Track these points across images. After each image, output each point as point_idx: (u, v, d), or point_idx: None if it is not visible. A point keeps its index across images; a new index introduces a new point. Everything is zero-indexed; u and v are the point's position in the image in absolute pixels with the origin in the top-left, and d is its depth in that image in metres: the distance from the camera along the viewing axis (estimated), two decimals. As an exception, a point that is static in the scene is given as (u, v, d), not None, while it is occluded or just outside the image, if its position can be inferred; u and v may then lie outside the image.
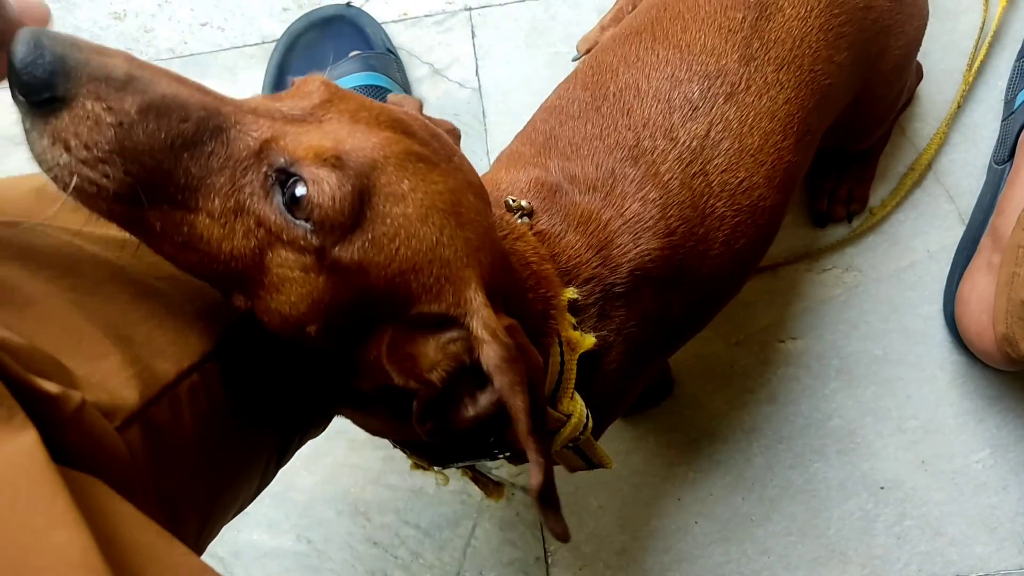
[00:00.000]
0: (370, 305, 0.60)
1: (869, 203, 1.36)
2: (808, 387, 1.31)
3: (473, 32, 1.46)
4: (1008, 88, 1.35)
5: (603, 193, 0.84)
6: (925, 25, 1.09)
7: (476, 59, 1.45)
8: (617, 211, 0.83)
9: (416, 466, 0.89)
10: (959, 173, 1.36)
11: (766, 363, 1.32)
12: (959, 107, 1.36)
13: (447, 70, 1.44)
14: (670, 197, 0.84)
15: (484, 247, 0.64)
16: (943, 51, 1.38)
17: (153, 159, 0.54)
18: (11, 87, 0.52)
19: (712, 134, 0.86)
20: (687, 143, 0.86)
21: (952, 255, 1.33)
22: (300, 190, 0.56)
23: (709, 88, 0.87)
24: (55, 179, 0.53)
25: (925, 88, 1.34)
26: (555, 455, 0.77)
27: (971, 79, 1.36)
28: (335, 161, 0.56)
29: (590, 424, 0.78)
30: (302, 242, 0.57)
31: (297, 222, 0.56)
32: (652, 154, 0.85)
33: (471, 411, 0.66)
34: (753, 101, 0.88)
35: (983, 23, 1.38)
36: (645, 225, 0.83)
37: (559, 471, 0.75)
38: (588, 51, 1.38)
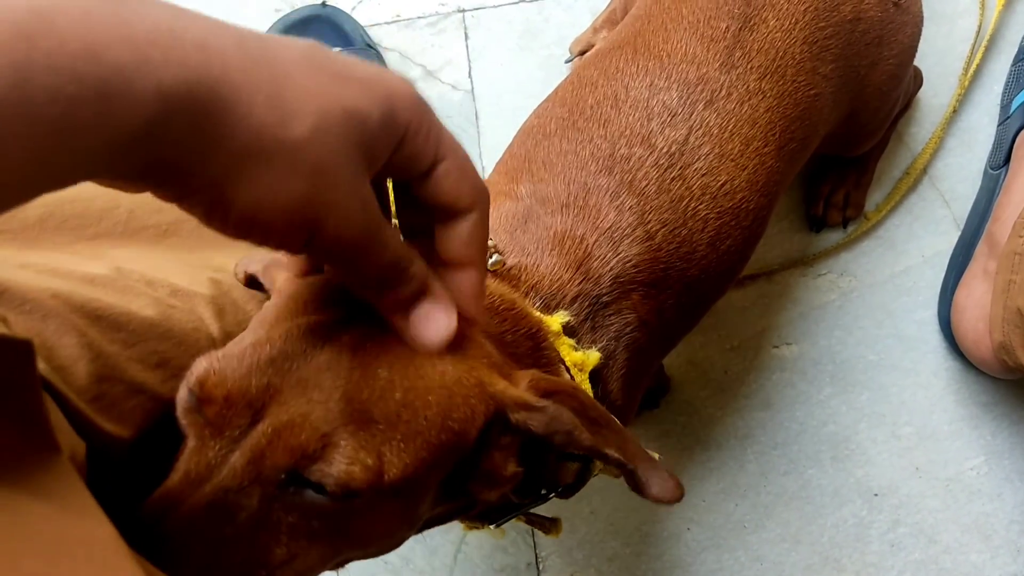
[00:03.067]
0: (442, 472, 0.61)
1: (864, 208, 1.39)
2: (803, 393, 1.35)
3: (466, 34, 1.50)
4: (1004, 92, 1.38)
5: (576, 209, 0.86)
6: (919, 32, 1.12)
7: (469, 61, 1.49)
8: (592, 224, 0.85)
9: (470, 528, 0.89)
10: (954, 178, 1.39)
11: (760, 369, 1.36)
12: (955, 111, 1.39)
13: (440, 72, 1.48)
14: (647, 202, 0.87)
15: (464, 334, 0.63)
16: (939, 55, 1.41)
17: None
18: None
19: (692, 139, 0.89)
20: (665, 149, 0.88)
21: (947, 260, 1.36)
22: (324, 483, 0.53)
23: (689, 95, 0.90)
24: None
25: (921, 92, 1.37)
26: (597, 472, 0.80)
27: (967, 83, 1.39)
28: (323, 442, 0.53)
29: None
30: (359, 504, 0.55)
31: (343, 498, 0.54)
32: (628, 162, 0.88)
33: (556, 467, 0.70)
34: (734, 108, 0.91)
35: (979, 27, 1.41)
36: (623, 233, 0.85)
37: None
38: (581, 53, 1.42)
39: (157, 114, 0.39)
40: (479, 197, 0.56)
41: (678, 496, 0.63)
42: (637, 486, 0.64)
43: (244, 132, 0.42)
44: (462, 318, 0.59)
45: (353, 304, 0.59)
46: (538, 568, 1.29)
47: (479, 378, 0.61)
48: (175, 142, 0.40)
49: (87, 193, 0.76)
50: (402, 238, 0.55)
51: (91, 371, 0.60)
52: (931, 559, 1.28)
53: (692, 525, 1.31)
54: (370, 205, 0.49)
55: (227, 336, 0.72)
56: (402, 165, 0.52)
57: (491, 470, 0.63)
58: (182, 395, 0.57)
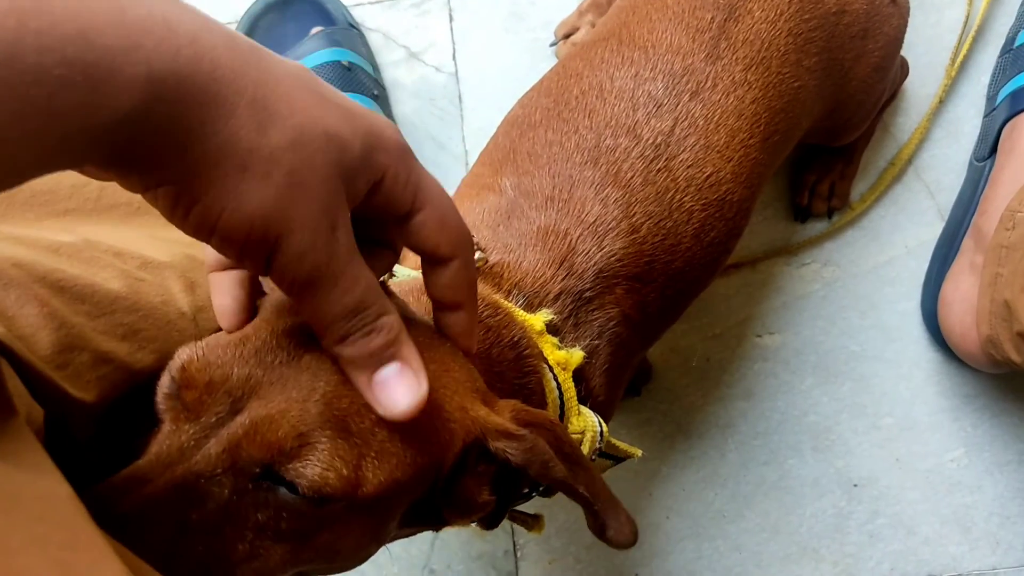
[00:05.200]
0: (414, 494, 0.62)
1: (850, 198, 1.41)
2: (785, 383, 1.37)
3: (451, 16, 1.51)
4: (991, 84, 1.40)
5: (560, 203, 0.88)
6: (906, 24, 1.14)
7: (454, 43, 1.49)
8: (576, 218, 0.87)
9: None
10: (940, 169, 1.41)
11: (743, 358, 1.38)
12: (941, 102, 1.41)
13: (424, 54, 1.49)
14: (633, 195, 0.88)
15: (447, 358, 0.64)
16: (927, 44, 1.43)
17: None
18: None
19: (677, 130, 0.90)
20: (651, 140, 0.90)
21: (931, 251, 1.38)
22: (297, 483, 0.54)
23: (674, 86, 0.92)
24: None
25: (908, 82, 1.39)
26: None
27: (954, 74, 1.41)
28: (300, 441, 0.54)
29: (605, 430, 0.82)
30: (331, 509, 0.56)
31: (314, 500, 0.55)
32: (614, 153, 0.89)
33: (524, 491, 0.71)
34: (720, 99, 0.92)
35: (967, 17, 1.42)
36: (608, 227, 0.87)
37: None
38: (566, 36, 1.43)
39: (141, 102, 0.39)
40: (460, 245, 0.57)
41: (631, 542, 0.66)
42: (598, 529, 0.66)
43: (223, 131, 0.43)
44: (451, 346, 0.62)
45: None
46: (516, 555, 1.31)
47: (461, 403, 0.62)
48: (153, 131, 0.41)
49: None
50: (380, 286, 0.54)
51: (54, 340, 0.59)
52: (910, 550, 1.31)
53: (671, 514, 1.33)
54: (342, 234, 0.49)
55: (198, 311, 0.73)
56: (379, 208, 0.53)
57: (465, 497, 0.64)
58: (164, 381, 0.58)
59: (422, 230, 0.55)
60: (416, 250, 0.57)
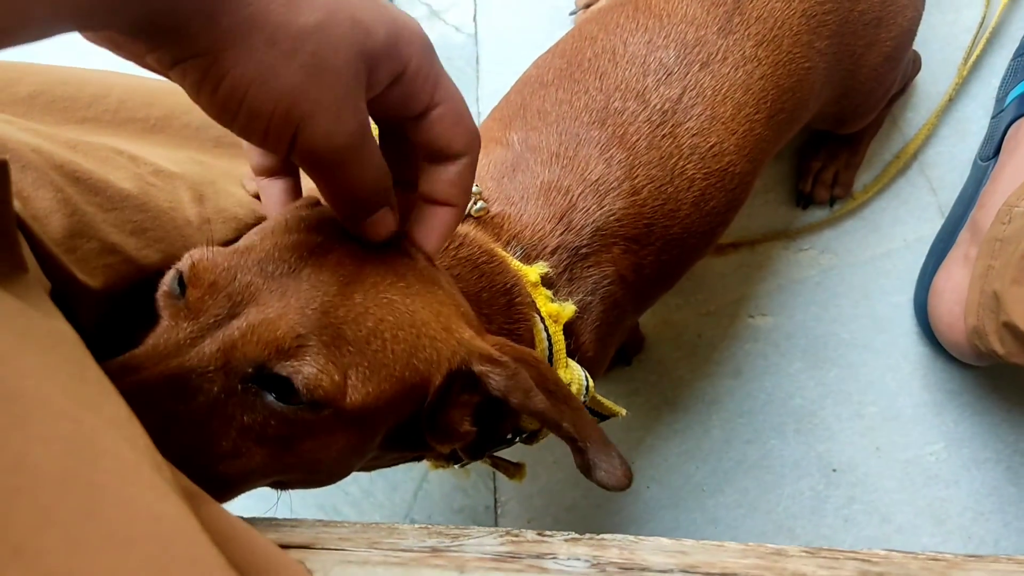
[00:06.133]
0: (400, 414, 0.64)
1: (852, 188, 1.44)
2: (773, 364, 1.40)
3: (475, -23, 1.52)
4: (1001, 86, 1.42)
5: (565, 160, 0.90)
6: (919, 17, 1.16)
7: (475, 4, 1.52)
8: (580, 176, 0.89)
9: (436, 467, 0.94)
10: (944, 166, 1.44)
11: (734, 337, 1.41)
12: (951, 100, 1.43)
13: (445, 13, 1.51)
14: (637, 158, 0.91)
15: (438, 283, 0.67)
16: (942, 42, 1.45)
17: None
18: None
19: (685, 99, 0.93)
20: (658, 106, 0.92)
21: (928, 247, 1.40)
22: (290, 384, 0.56)
23: (686, 55, 0.94)
24: None
25: (920, 78, 1.41)
26: None
27: (965, 73, 1.43)
28: (298, 342, 0.56)
29: (591, 385, 0.84)
30: (317, 417, 0.58)
31: (303, 406, 0.57)
32: (621, 116, 0.92)
33: (507, 427, 0.74)
34: (729, 72, 0.95)
35: (983, 18, 1.45)
36: (610, 186, 0.89)
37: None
38: (587, 5, 1.45)
39: None
40: (471, 143, 0.60)
41: (624, 485, 0.67)
42: (585, 466, 0.67)
43: (254, 3, 0.44)
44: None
45: (344, 233, 0.63)
46: (496, 512, 1.34)
47: (448, 324, 0.65)
48: None
49: (79, 77, 0.77)
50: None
51: (66, 225, 0.60)
52: (883, 537, 1.33)
53: (652, 484, 1.36)
54: (363, 116, 0.51)
55: (204, 222, 0.74)
56: (399, 102, 0.55)
57: (447, 424, 0.67)
58: (167, 279, 0.61)
59: (438, 124, 0.57)
60: (428, 147, 0.59)
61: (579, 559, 0.44)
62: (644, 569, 0.38)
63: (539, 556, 0.45)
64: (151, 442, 0.42)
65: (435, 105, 0.56)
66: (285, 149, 0.50)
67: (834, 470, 1.36)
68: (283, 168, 0.63)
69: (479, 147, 0.61)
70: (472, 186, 0.63)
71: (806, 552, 0.45)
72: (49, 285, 0.57)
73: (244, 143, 0.60)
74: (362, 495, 1.34)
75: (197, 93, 0.47)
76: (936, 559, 0.45)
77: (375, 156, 0.54)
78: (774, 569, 0.40)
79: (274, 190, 0.63)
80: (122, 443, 0.38)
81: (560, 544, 0.49)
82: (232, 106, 0.47)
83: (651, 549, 0.46)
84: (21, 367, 0.37)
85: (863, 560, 0.44)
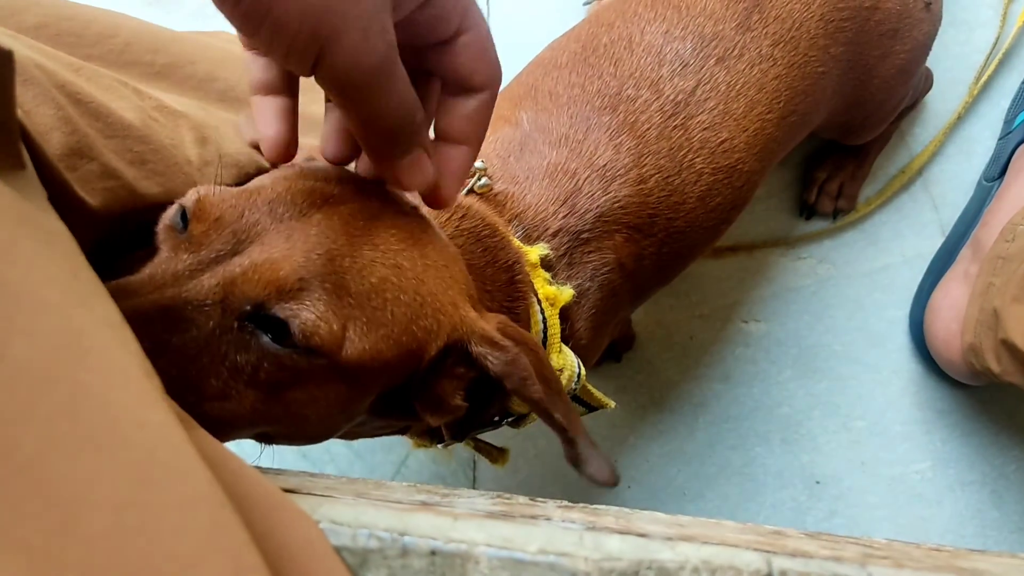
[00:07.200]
0: (392, 377, 0.63)
1: (856, 201, 1.44)
2: (763, 371, 1.40)
3: (489, -38, 1.52)
4: (1010, 108, 1.42)
5: (574, 143, 0.90)
6: (935, 33, 1.16)
7: (488, -10, 1.51)
8: (587, 160, 0.89)
9: (419, 445, 0.94)
10: (948, 184, 1.44)
11: (726, 341, 1.41)
12: (959, 119, 1.43)
13: None
14: (646, 146, 0.91)
15: (449, 257, 0.67)
16: (953, 61, 1.45)
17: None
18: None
19: (699, 92, 0.93)
20: (672, 96, 0.92)
21: (927, 264, 1.40)
22: (287, 327, 0.56)
23: (702, 48, 0.94)
24: None
25: (930, 95, 1.41)
26: None
27: (976, 93, 1.43)
28: (300, 284, 0.56)
29: (583, 373, 0.84)
30: (310, 365, 0.58)
31: (297, 351, 0.57)
32: (634, 103, 0.92)
33: (495, 409, 0.74)
34: (744, 69, 0.95)
35: (996, 40, 1.45)
36: (616, 173, 0.89)
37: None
38: (601, -3, 1.45)
39: None
40: (493, 77, 0.58)
41: (613, 482, 0.67)
42: (575, 459, 0.67)
43: None
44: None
45: (359, 187, 0.63)
46: (475, 501, 1.33)
47: (454, 300, 0.65)
48: None
49: (86, 15, 0.76)
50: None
51: (66, 143, 0.59)
52: (861, 553, 1.33)
53: (633, 484, 1.36)
54: (391, 38, 0.49)
55: (204, 164, 0.73)
56: (426, 24, 0.53)
57: (439, 396, 0.67)
58: (169, 212, 0.60)
59: (464, 52, 0.55)
60: (451, 76, 0.58)
61: (574, 523, 0.43)
62: (642, 535, 0.38)
63: (533, 517, 0.45)
64: (142, 350, 0.40)
65: (463, 32, 0.55)
66: (308, 69, 0.48)
67: (817, 482, 1.36)
68: (283, 86, 0.61)
69: (499, 84, 0.60)
70: (487, 125, 0.62)
71: (806, 535, 0.45)
72: (45, 193, 0.56)
73: (246, 54, 0.58)
74: (340, 474, 1.33)
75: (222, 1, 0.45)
76: (939, 550, 0.45)
77: (405, 83, 0.52)
78: (775, 545, 0.39)
79: (269, 108, 0.60)
80: (112, 343, 0.37)
81: (554, 509, 0.48)
82: (255, 18, 0.45)
83: (647, 520, 0.46)
84: (13, 255, 0.36)
85: (865, 545, 0.44)
